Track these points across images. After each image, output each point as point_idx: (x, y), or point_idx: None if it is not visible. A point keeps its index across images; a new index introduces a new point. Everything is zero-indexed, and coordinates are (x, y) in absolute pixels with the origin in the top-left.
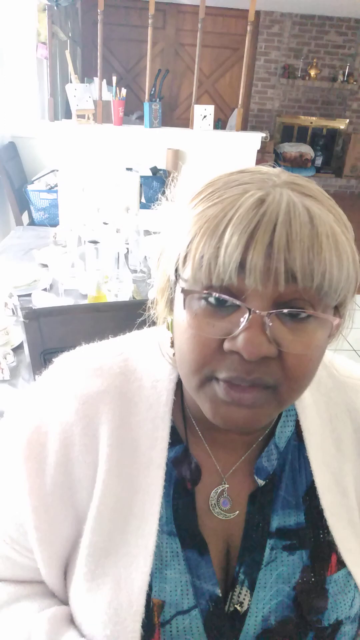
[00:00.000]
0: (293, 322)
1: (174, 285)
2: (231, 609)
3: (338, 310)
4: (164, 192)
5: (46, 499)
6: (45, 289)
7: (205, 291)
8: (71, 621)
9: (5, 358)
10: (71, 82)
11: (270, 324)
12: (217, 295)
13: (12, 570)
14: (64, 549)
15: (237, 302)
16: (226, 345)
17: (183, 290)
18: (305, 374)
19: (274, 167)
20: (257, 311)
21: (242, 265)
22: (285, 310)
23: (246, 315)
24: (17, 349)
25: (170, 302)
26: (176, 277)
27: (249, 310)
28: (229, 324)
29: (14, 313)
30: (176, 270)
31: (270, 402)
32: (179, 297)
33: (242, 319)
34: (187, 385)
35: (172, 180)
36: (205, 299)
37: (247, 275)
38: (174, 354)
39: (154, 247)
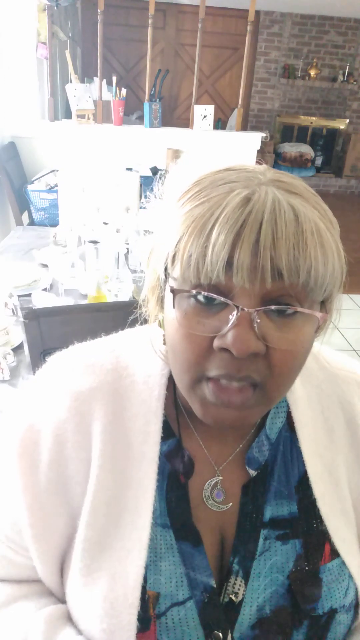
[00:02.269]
0: (280, 318)
1: (164, 284)
2: (226, 599)
3: (324, 305)
4: (152, 190)
5: (40, 497)
6: (45, 289)
7: (193, 290)
8: (68, 619)
9: (5, 358)
10: (71, 82)
11: (258, 320)
12: (205, 293)
13: (9, 570)
14: (59, 546)
15: (226, 300)
16: (216, 343)
17: (172, 290)
18: (291, 369)
19: (260, 163)
20: (245, 308)
21: (229, 264)
22: (272, 307)
23: (235, 313)
24: (17, 349)
25: (161, 300)
26: (166, 275)
27: (237, 307)
28: (218, 322)
29: (14, 313)
30: (165, 269)
31: (259, 401)
32: (168, 296)
33: (230, 317)
34: (179, 384)
35: (161, 178)
36: (195, 298)
37: (235, 273)
38: (166, 351)
39: (145, 246)
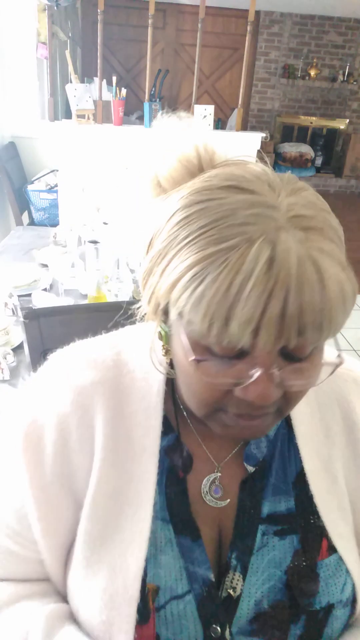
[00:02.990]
0: (297, 362)
1: (169, 314)
2: (224, 594)
3: None
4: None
5: (47, 490)
6: (45, 289)
7: (211, 358)
8: (70, 618)
9: (5, 358)
10: (71, 82)
11: (277, 372)
12: (228, 360)
13: (16, 567)
14: (67, 538)
15: (247, 365)
16: (237, 393)
17: (191, 339)
18: (302, 396)
19: (257, 161)
20: (267, 370)
21: (254, 335)
22: (295, 366)
23: (256, 370)
24: (17, 349)
25: (163, 314)
26: (179, 313)
27: (261, 368)
28: (238, 372)
29: (14, 313)
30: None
31: (275, 420)
32: (180, 335)
33: (251, 372)
34: (194, 411)
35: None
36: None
37: (259, 340)
38: (167, 363)
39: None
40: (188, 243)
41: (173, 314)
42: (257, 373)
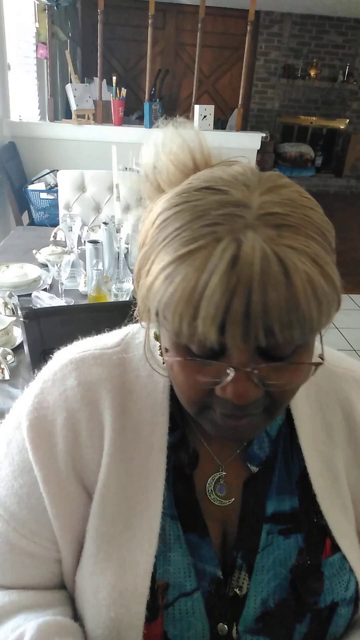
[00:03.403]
0: (277, 362)
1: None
2: (230, 593)
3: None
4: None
5: (63, 486)
6: (45, 289)
7: (188, 358)
8: (64, 636)
9: (5, 358)
10: (71, 82)
11: (256, 371)
12: (199, 360)
13: (31, 570)
14: (82, 534)
15: (221, 364)
16: (217, 392)
17: (166, 349)
18: (291, 396)
19: (260, 163)
20: (242, 369)
21: (221, 331)
22: (269, 365)
23: (232, 369)
24: (17, 349)
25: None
26: (157, 313)
27: (233, 368)
28: (216, 371)
29: (14, 313)
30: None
31: (265, 420)
32: (164, 335)
33: (228, 371)
34: (186, 409)
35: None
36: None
37: (227, 338)
38: (163, 362)
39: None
40: (165, 245)
41: (153, 314)
42: (232, 372)
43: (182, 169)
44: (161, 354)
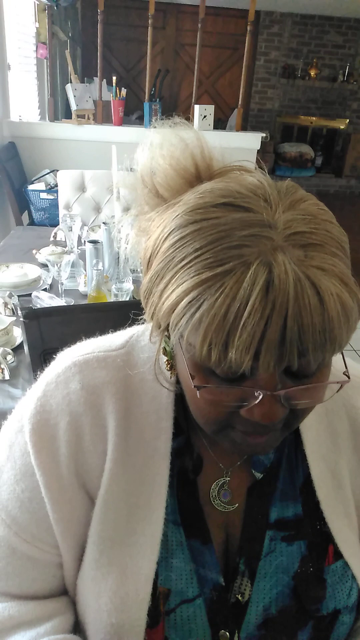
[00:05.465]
0: (302, 380)
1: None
2: (233, 599)
3: None
4: None
5: (65, 491)
6: (45, 289)
7: (216, 385)
8: None
9: (5, 358)
10: (71, 82)
11: (283, 393)
12: (230, 386)
13: (33, 573)
14: (84, 538)
15: (252, 389)
16: (242, 413)
17: (192, 361)
18: (311, 410)
19: (259, 164)
20: (270, 392)
21: (254, 359)
22: (299, 388)
23: (260, 392)
24: (17, 349)
25: (165, 333)
26: (179, 336)
27: (264, 392)
28: (242, 394)
29: (14, 313)
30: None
31: (283, 433)
32: (182, 356)
33: (256, 394)
34: (203, 428)
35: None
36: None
37: (260, 364)
38: (170, 377)
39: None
40: (184, 266)
41: (174, 336)
42: (260, 395)
43: (183, 174)
44: (168, 369)
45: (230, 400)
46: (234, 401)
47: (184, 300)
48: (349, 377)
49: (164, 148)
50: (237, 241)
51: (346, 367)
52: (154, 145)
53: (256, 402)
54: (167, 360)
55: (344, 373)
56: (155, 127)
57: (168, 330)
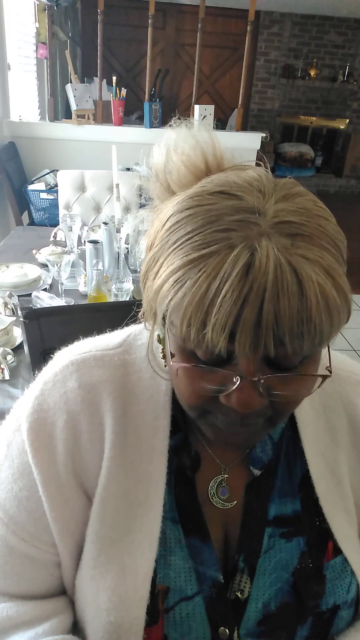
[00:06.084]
0: (284, 372)
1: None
2: (232, 596)
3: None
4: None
5: (63, 490)
6: (45, 289)
7: (194, 364)
8: None
9: (5, 358)
10: (71, 82)
11: (262, 381)
12: (206, 367)
13: (31, 572)
14: (82, 537)
15: (228, 372)
16: (221, 399)
17: (172, 354)
18: (294, 407)
19: (259, 164)
20: (248, 377)
21: (231, 340)
22: (276, 375)
23: (238, 378)
24: (17, 349)
25: (156, 316)
26: (163, 317)
27: (241, 376)
28: (223, 378)
29: (14, 313)
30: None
31: (266, 428)
32: (168, 338)
33: (234, 379)
34: (187, 412)
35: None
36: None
37: (236, 346)
38: (165, 365)
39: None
40: (175, 248)
41: (160, 317)
42: (238, 380)
43: (194, 171)
44: (163, 357)
45: (209, 385)
46: (214, 385)
47: (170, 280)
48: (330, 372)
49: (177, 146)
50: (225, 225)
51: (330, 362)
52: (169, 143)
53: (234, 387)
54: (162, 349)
55: (326, 368)
56: (171, 126)
57: (157, 314)
